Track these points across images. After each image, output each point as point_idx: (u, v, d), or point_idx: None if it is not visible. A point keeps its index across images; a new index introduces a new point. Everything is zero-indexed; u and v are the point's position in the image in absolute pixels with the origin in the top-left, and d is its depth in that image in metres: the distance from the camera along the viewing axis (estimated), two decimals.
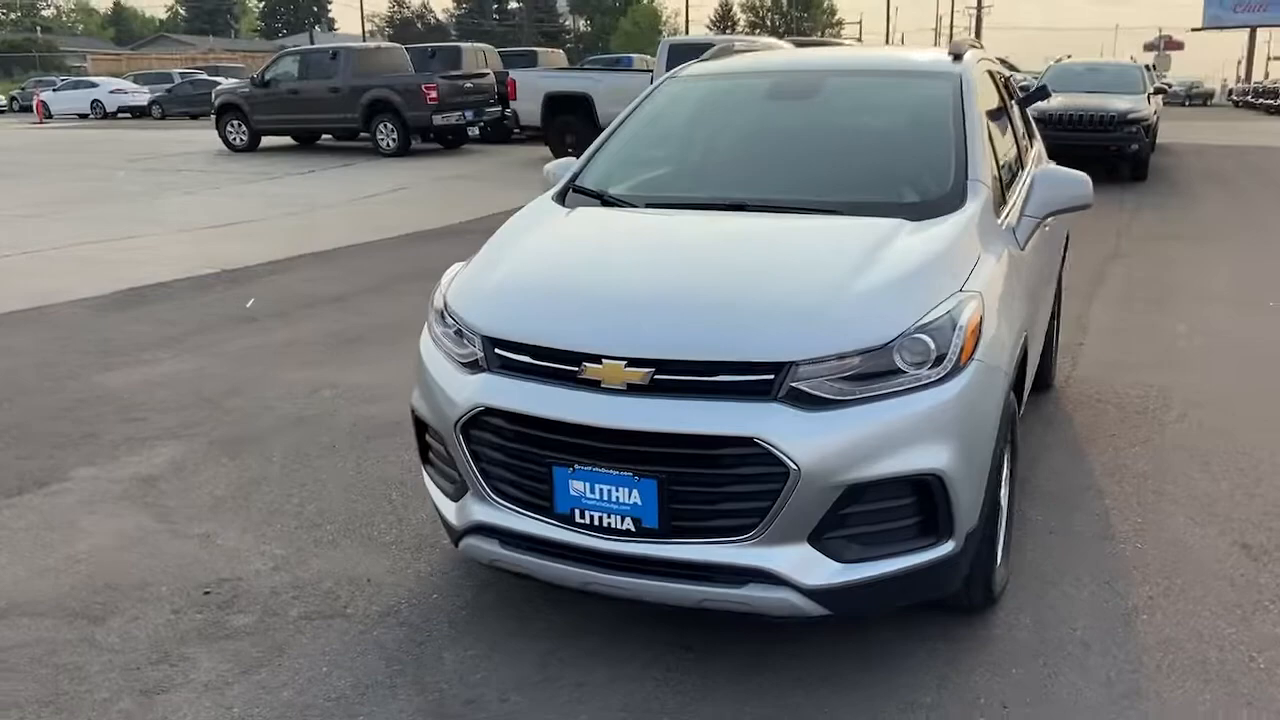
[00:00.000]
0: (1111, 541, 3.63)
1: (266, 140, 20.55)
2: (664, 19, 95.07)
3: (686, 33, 72.77)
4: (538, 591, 3.25)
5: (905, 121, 3.87)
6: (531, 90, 17.59)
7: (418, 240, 10.61)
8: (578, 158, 3.99)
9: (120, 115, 38.24)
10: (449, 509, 3.03)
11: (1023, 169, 4.27)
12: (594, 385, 2.67)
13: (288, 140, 21.02)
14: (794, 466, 2.50)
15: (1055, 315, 5.20)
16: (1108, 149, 14.14)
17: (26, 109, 43.18)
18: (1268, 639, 3.01)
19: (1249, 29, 62.77)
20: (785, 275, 2.93)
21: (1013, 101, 4.74)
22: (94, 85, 40.34)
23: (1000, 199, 3.54)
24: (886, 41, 61.61)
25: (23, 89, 48.52)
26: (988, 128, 3.70)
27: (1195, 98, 55.87)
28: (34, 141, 26.20)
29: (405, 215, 12.09)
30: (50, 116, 37.57)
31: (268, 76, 19.88)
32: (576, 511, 2.70)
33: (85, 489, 4.25)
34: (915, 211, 3.22)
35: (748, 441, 2.52)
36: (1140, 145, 14.45)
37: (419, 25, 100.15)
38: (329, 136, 21.13)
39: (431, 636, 3.11)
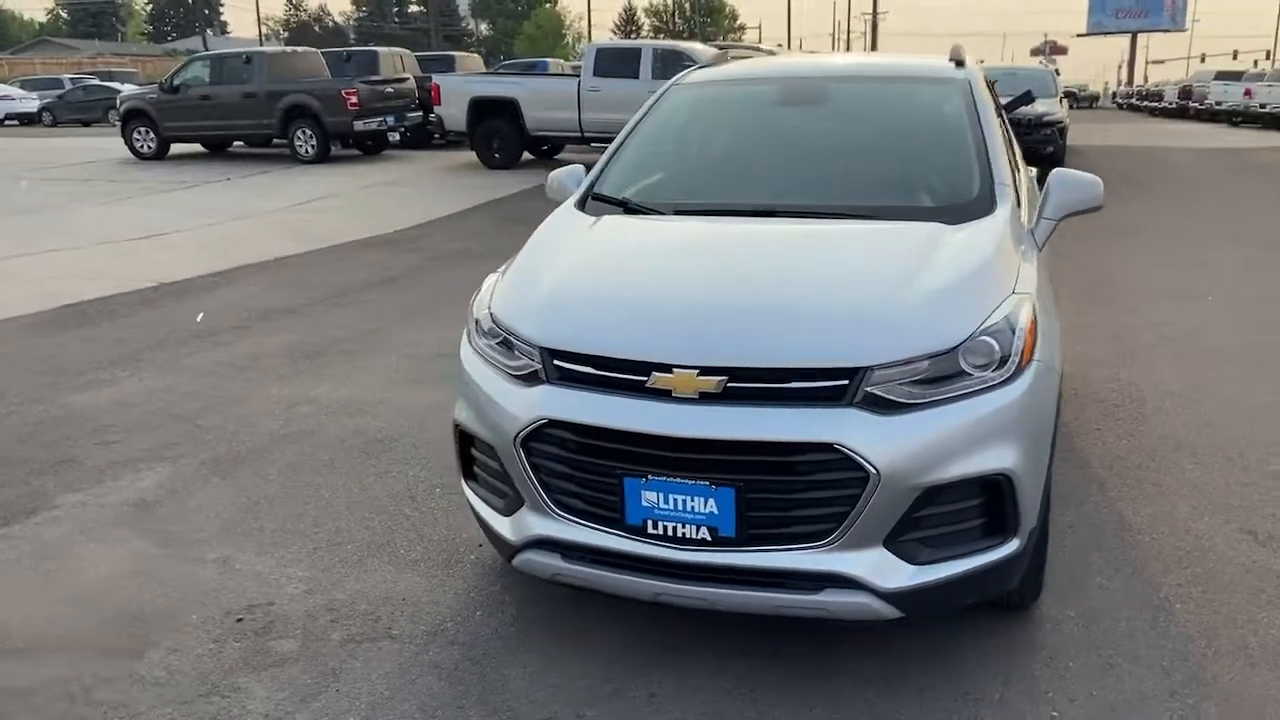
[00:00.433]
0: (1131, 533, 3.76)
1: (175, 148, 19.84)
2: (568, 23, 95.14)
3: (590, 38, 73.07)
4: (583, 604, 3.22)
5: (923, 126, 3.93)
6: (456, 95, 17.24)
7: (355, 250, 10.34)
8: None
9: (7, 123, 36.42)
10: (502, 524, 2.96)
11: (1019, 172, 4.37)
12: (664, 395, 2.65)
13: (196, 148, 20.32)
14: (874, 470, 2.52)
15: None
16: (1026, 151, 14.58)
17: None
18: None
19: (1130, 34, 65.75)
20: (843, 281, 2.95)
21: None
22: None
23: (1018, 202, 3.63)
24: (787, 46, 62.65)
25: None
26: (1000, 132, 3.79)
27: (1082, 100, 58.14)
28: None
29: (338, 224, 11.77)
30: None
31: (177, 81, 19.15)
32: (649, 523, 2.67)
33: (76, 516, 4.04)
34: (949, 215, 3.27)
35: (828, 447, 2.53)
36: (1055, 147, 15.06)
37: (316, 28, 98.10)
38: (241, 143, 20.52)
39: (487, 654, 3.04)
